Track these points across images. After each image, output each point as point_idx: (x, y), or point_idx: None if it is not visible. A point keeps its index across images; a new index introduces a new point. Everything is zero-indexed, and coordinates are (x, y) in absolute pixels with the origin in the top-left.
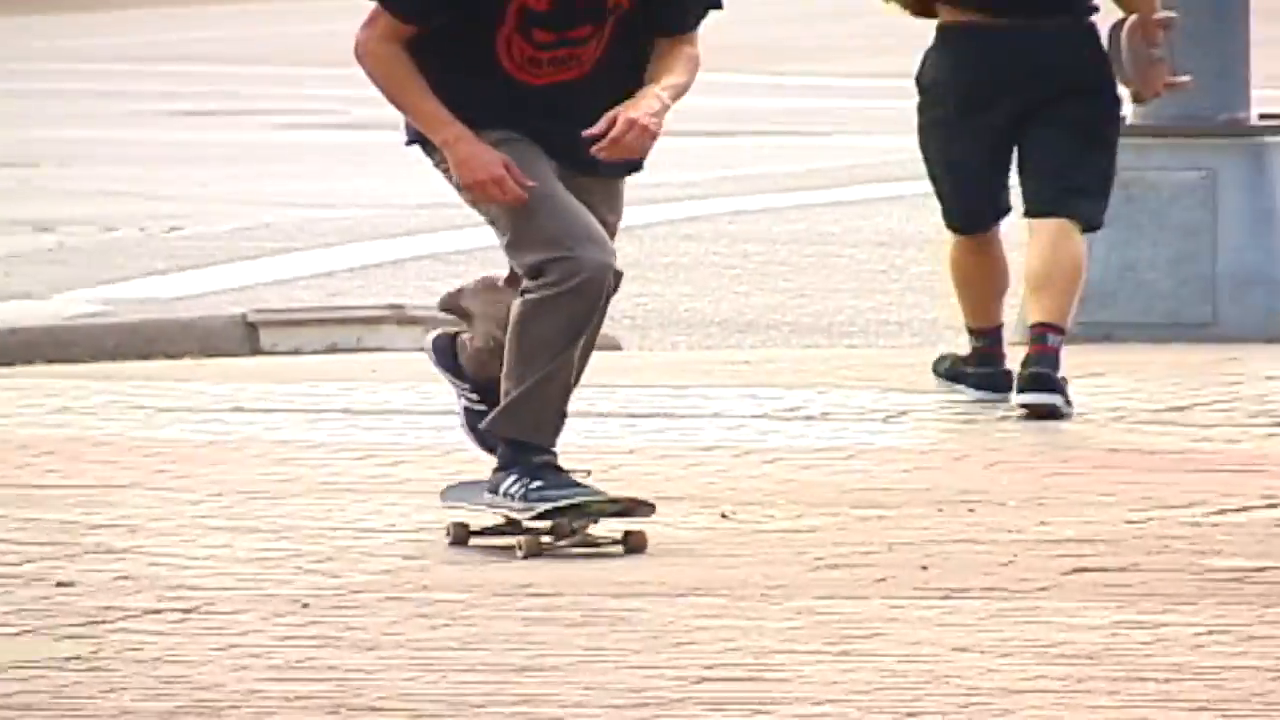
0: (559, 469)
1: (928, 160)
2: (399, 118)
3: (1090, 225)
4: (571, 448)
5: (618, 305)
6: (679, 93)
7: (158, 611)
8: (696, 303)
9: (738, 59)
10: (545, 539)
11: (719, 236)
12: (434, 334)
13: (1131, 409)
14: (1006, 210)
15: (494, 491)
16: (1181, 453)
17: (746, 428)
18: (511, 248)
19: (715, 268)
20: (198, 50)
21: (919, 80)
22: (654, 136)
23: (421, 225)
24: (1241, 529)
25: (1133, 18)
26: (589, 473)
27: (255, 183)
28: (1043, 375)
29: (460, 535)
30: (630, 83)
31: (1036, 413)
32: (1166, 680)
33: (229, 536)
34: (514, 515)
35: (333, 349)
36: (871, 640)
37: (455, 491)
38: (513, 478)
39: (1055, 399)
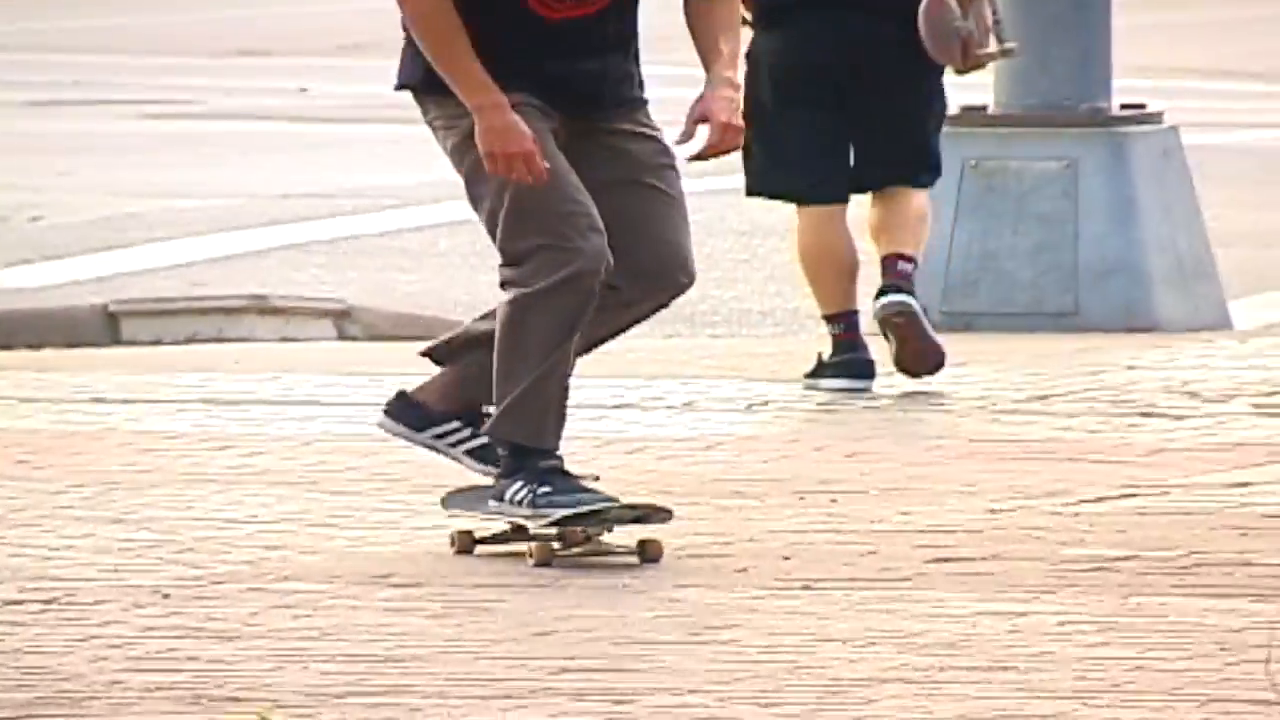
0: (566, 473)
1: (763, 135)
2: (258, 107)
3: (924, 185)
4: None
5: (478, 294)
6: (738, 58)
7: (18, 602)
8: None
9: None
10: (555, 546)
11: None
12: (381, 415)
13: (993, 399)
14: (847, 187)
15: (499, 499)
16: (1043, 442)
17: (609, 418)
18: (506, 230)
19: None
20: (53, 40)
21: (748, 56)
22: (741, 130)
23: (283, 215)
24: (1103, 518)
25: None
26: (597, 477)
27: (115, 173)
28: (896, 285)
29: (465, 544)
30: (632, 21)
31: (897, 311)
32: (1028, 670)
33: (90, 527)
34: (524, 523)
35: (194, 339)
36: (733, 630)
37: (457, 499)
38: (519, 483)
39: (913, 301)
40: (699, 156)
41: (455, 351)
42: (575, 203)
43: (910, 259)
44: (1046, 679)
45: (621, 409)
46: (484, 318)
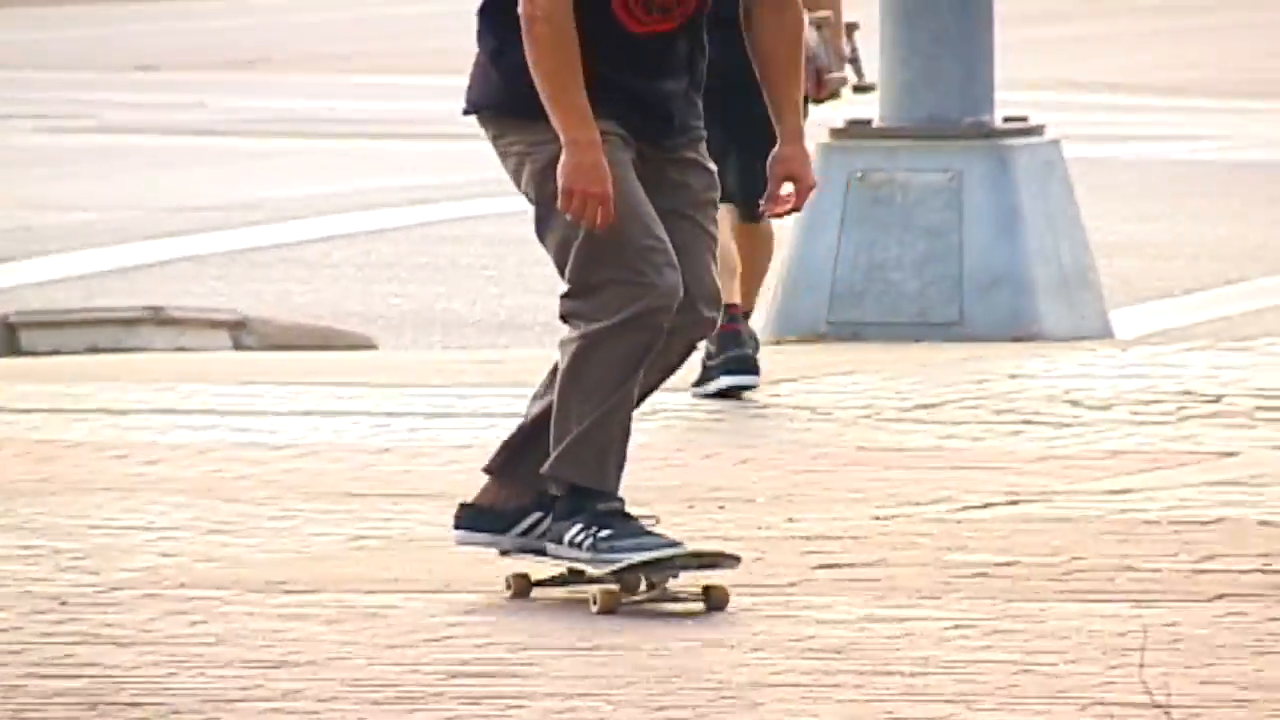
0: (627, 515)
1: None
2: (156, 121)
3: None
4: (322, 445)
5: (373, 306)
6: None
7: None
8: (452, 303)
9: None
10: (612, 588)
11: (473, 238)
12: (457, 531)
13: (879, 407)
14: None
15: (557, 541)
16: (928, 450)
17: (499, 426)
18: (579, 260)
19: (470, 269)
20: None
21: None
22: (814, 185)
23: (181, 228)
24: (986, 525)
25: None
26: (657, 519)
27: (14, 186)
28: (744, 356)
29: (521, 588)
30: (702, 44)
31: (733, 389)
32: (913, 674)
33: None
34: (590, 570)
35: (93, 349)
36: (623, 635)
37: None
38: (578, 527)
39: (748, 379)
40: (778, 214)
41: (515, 458)
42: (654, 238)
43: (748, 314)
44: (931, 682)
45: (512, 418)
46: (533, 400)
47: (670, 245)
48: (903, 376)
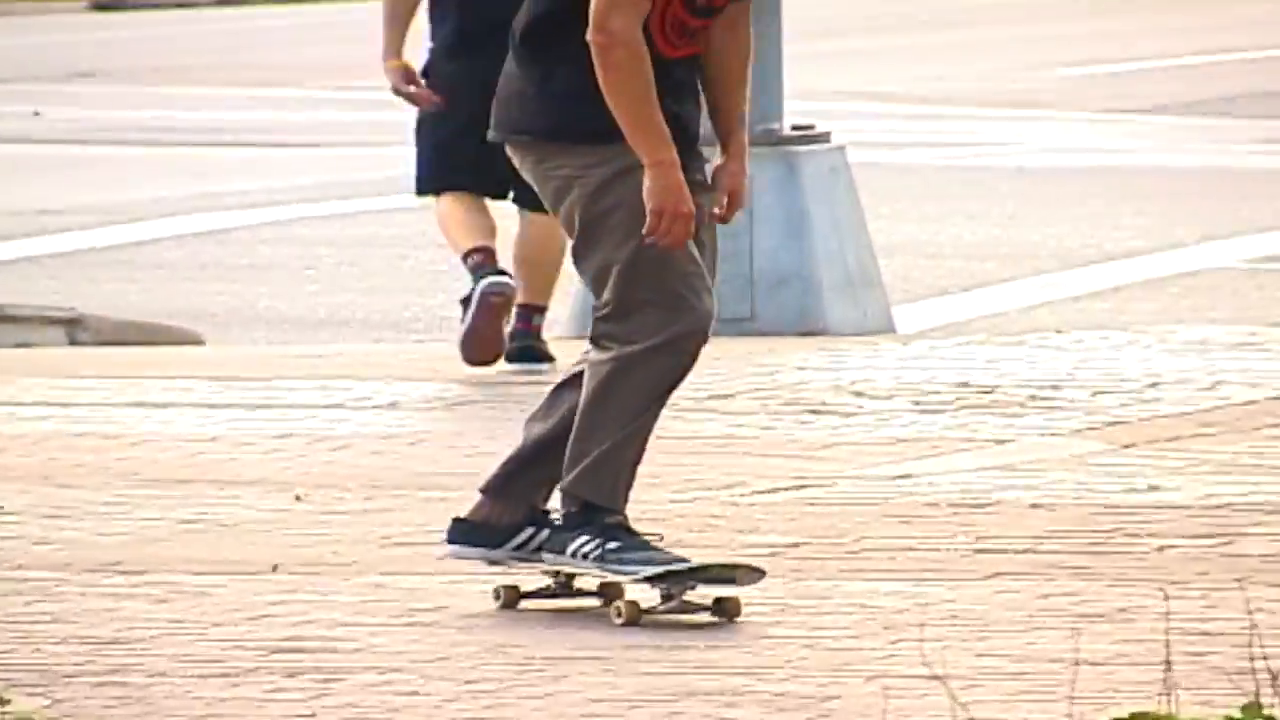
0: (631, 530)
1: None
2: None
3: None
4: (152, 435)
5: (199, 303)
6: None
7: None
8: (274, 301)
9: (312, 75)
10: (636, 601)
11: (294, 240)
12: (449, 546)
13: (676, 398)
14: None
15: (559, 551)
16: (721, 438)
17: (318, 417)
18: (621, 282)
19: (291, 269)
20: None
21: (425, 74)
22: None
23: (18, 230)
24: (776, 508)
25: None
26: (661, 536)
27: None
28: (530, 348)
29: (511, 599)
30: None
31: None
32: (706, 648)
33: None
34: (619, 580)
35: None
36: (436, 613)
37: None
38: (584, 538)
39: (541, 365)
40: (724, 217)
41: (515, 478)
42: (695, 263)
43: (543, 309)
44: (723, 656)
45: (331, 409)
46: (531, 422)
47: (706, 271)
48: (698, 369)
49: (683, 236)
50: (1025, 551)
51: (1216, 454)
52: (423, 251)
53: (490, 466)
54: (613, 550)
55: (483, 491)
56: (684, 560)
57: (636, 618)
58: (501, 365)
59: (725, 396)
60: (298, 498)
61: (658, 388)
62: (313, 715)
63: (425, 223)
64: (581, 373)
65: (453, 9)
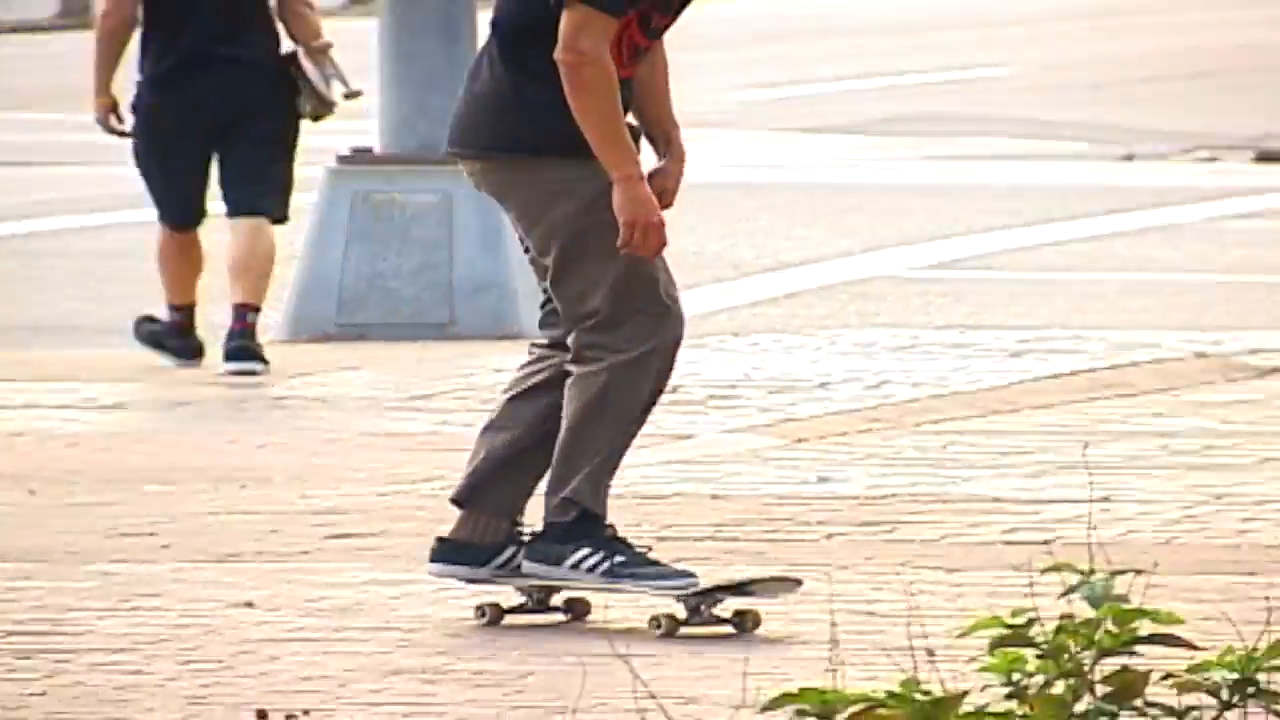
0: (628, 542)
1: (147, 173)
2: None
3: (278, 219)
4: None
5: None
6: None
7: None
8: (6, 308)
9: (40, 100)
10: (675, 613)
11: (26, 252)
12: (432, 565)
13: (382, 398)
14: (205, 212)
15: (555, 563)
16: (424, 435)
17: (50, 417)
18: (612, 295)
19: (18, 279)
20: None
21: (134, 107)
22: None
23: None
24: None
25: (300, 49)
26: (650, 548)
27: None
28: (245, 347)
29: (495, 616)
30: None
31: (241, 373)
32: (410, 630)
33: None
34: (663, 595)
35: None
36: (158, 598)
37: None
38: (586, 551)
39: (255, 365)
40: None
41: (483, 488)
42: (665, 269)
43: (258, 309)
44: (426, 636)
45: (63, 409)
46: (490, 431)
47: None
48: (402, 371)
49: (657, 245)
50: (705, 539)
51: (882, 448)
52: (146, 262)
53: (473, 474)
54: (621, 564)
55: (454, 503)
56: (690, 575)
57: (674, 630)
58: (220, 365)
59: (427, 396)
60: (31, 491)
61: (650, 394)
62: (44, 694)
63: (149, 235)
64: (538, 384)
65: (156, 44)
